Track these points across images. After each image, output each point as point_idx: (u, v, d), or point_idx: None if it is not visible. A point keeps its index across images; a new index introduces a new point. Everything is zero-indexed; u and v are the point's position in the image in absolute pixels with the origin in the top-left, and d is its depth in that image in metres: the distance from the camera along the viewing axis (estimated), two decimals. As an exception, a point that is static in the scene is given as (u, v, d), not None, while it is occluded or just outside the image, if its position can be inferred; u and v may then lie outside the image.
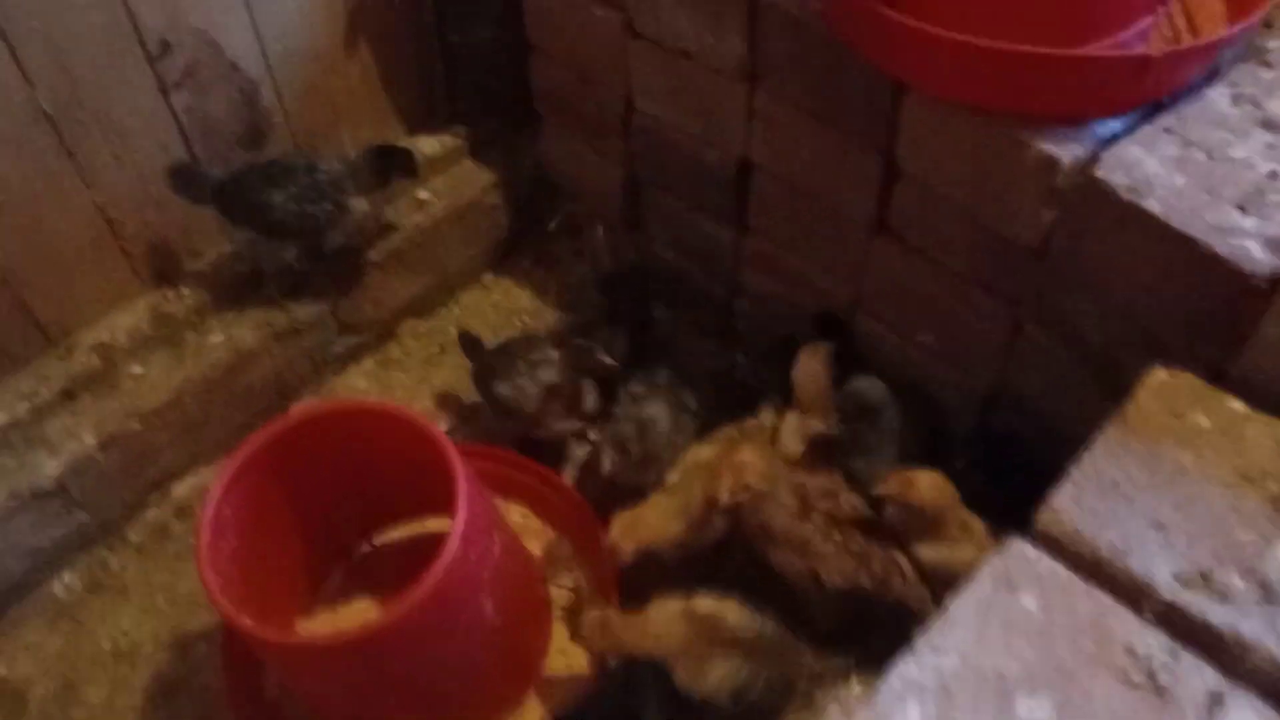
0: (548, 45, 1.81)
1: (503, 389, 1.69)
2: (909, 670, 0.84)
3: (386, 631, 1.17)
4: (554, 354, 1.71)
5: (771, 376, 1.70)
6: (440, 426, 1.80)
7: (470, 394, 1.90)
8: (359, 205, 1.77)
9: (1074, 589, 0.88)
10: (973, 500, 1.44)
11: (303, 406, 1.38)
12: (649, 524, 1.44)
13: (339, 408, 1.38)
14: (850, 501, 1.42)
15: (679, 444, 1.60)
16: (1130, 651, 0.84)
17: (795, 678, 1.35)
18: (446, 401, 1.91)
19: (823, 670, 1.37)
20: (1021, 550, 0.90)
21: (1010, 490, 1.44)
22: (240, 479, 1.33)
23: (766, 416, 1.64)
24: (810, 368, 1.61)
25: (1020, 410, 1.46)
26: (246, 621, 1.19)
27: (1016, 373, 1.43)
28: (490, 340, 1.80)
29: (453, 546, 1.18)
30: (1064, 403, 1.38)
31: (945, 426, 1.60)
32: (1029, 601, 0.87)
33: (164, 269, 1.77)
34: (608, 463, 1.59)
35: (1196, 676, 0.82)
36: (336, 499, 1.52)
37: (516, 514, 1.72)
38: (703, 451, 1.56)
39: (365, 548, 1.65)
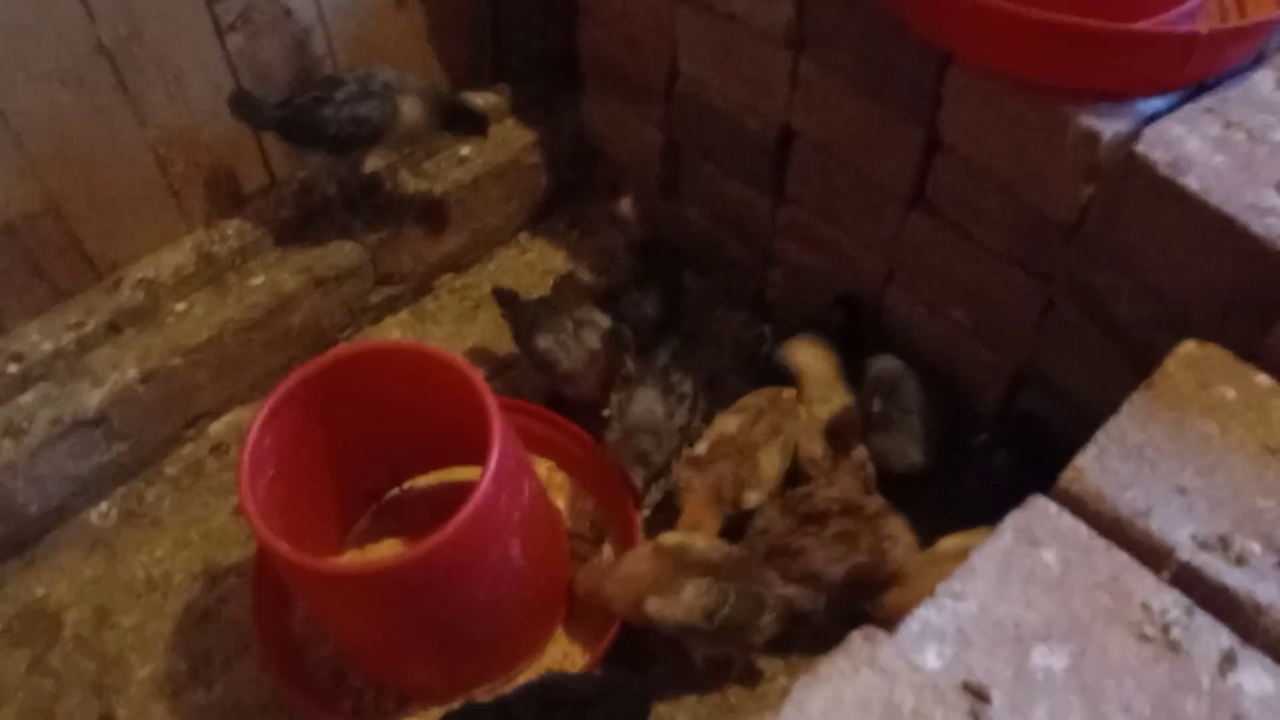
0: (595, 7, 1.83)
1: (543, 341, 1.71)
2: (928, 614, 0.87)
3: (417, 564, 1.21)
4: (600, 317, 1.73)
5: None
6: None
7: (502, 349, 1.94)
8: (411, 109, 1.73)
9: (1094, 546, 0.90)
10: (993, 480, 1.47)
11: (345, 345, 1.40)
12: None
13: (380, 346, 1.41)
14: (824, 495, 1.46)
15: (674, 431, 1.62)
16: (1146, 608, 0.86)
17: (767, 594, 1.41)
18: (479, 355, 1.94)
19: (795, 594, 1.42)
20: (1044, 507, 0.93)
21: (1033, 473, 1.47)
22: (281, 411, 1.37)
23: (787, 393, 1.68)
24: (811, 356, 1.65)
25: (1048, 391, 1.48)
26: (284, 545, 1.23)
27: (1046, 352, 1.45)
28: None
29: (486, 484, 1.21)
30: (1092, 384, 1.40)
31: (967, 406, 1.62)
32: (1049, 556, 0.89)
33: (210, 210, 1.81)
34: (636, 477, 1.60)
35: (1210, 636, 0.84)
36: (370, 441, 1.55)
37: (543, 468, 1.75)
38: (729, 423, 1.60)
39: (395, 492, 1.69)
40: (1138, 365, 1.31)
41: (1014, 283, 1.43)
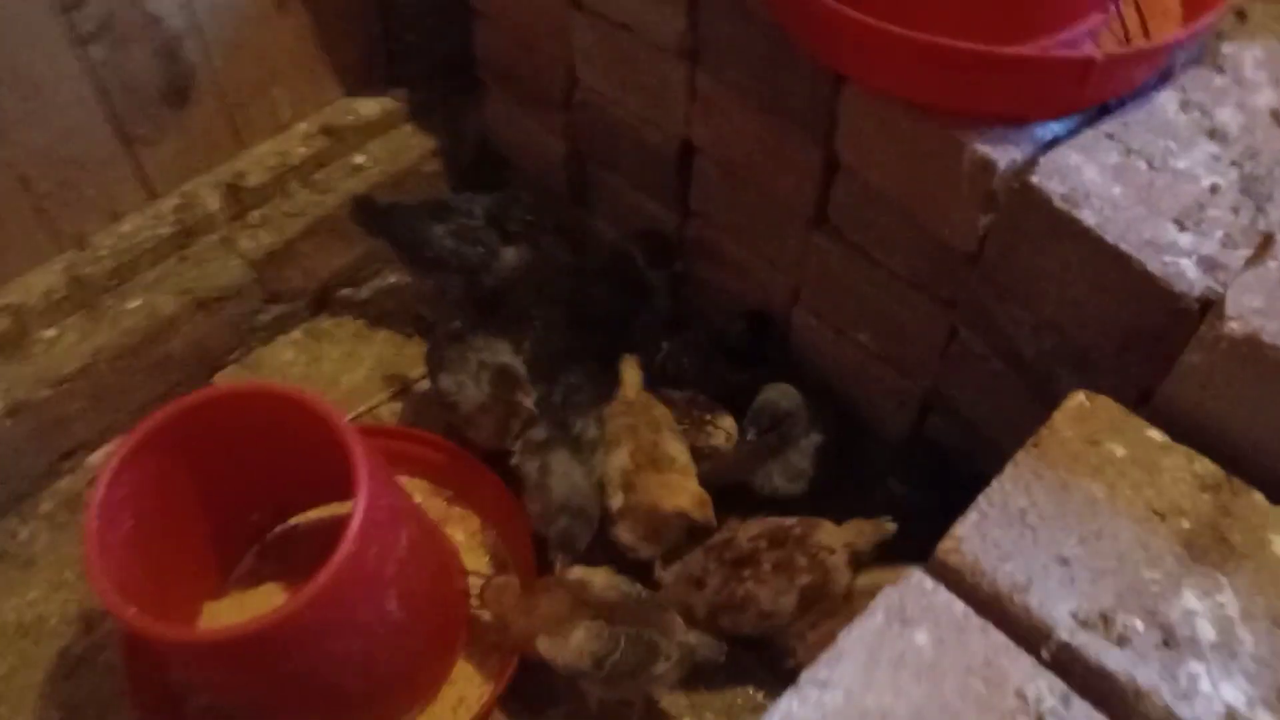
0: (490, 9, 1.74)
1: (444, 381, 1.63)
2: (791, 705, 0.80)
3: (275, 629, 1.12)
4: (508, 356, 1.65)
5: (690, 370, 1.67)
6: (363, 405, 1.79)
7: (404, 367, 1.85)
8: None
9: (969, 626, 0.84)
10: (902, 516, 1.42)
11: (193, 395, 1.31)
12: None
13: (236, 391, 1.32)
14: (747, 533, 1.40)
15: (593, 494, 1.51)
16: (1020, 695, 0.80)
17: (660, 640, 1.34)
18: (379, 377, 1.85)
19: (696, 642, 1.37)
20: (919, 582, 0.86)
21: (943, 507, 1.42)
22: (135, 461, 1.27)
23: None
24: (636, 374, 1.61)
25: (956, 419, 1.42)
26: (131, 613, 1.14)
27: (953, 379, 1.39)
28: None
29: (347, 545, 1.13)
30: (998, 414, 1.34)
31: (875, 430, 1.57)
32: (921, 637, 0.83)
33: (82, 229, 1.70)
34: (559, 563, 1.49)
35: (1086, 725, 0.79)
36: (244, 481, 1.46)
37: (441, 499, 1.67)
38: (619, 459, 1.52)
39: (279, 529, 1.60)
40: (1042, 398, 1.26)
41: (919, 308, 1.37)
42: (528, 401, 1.57)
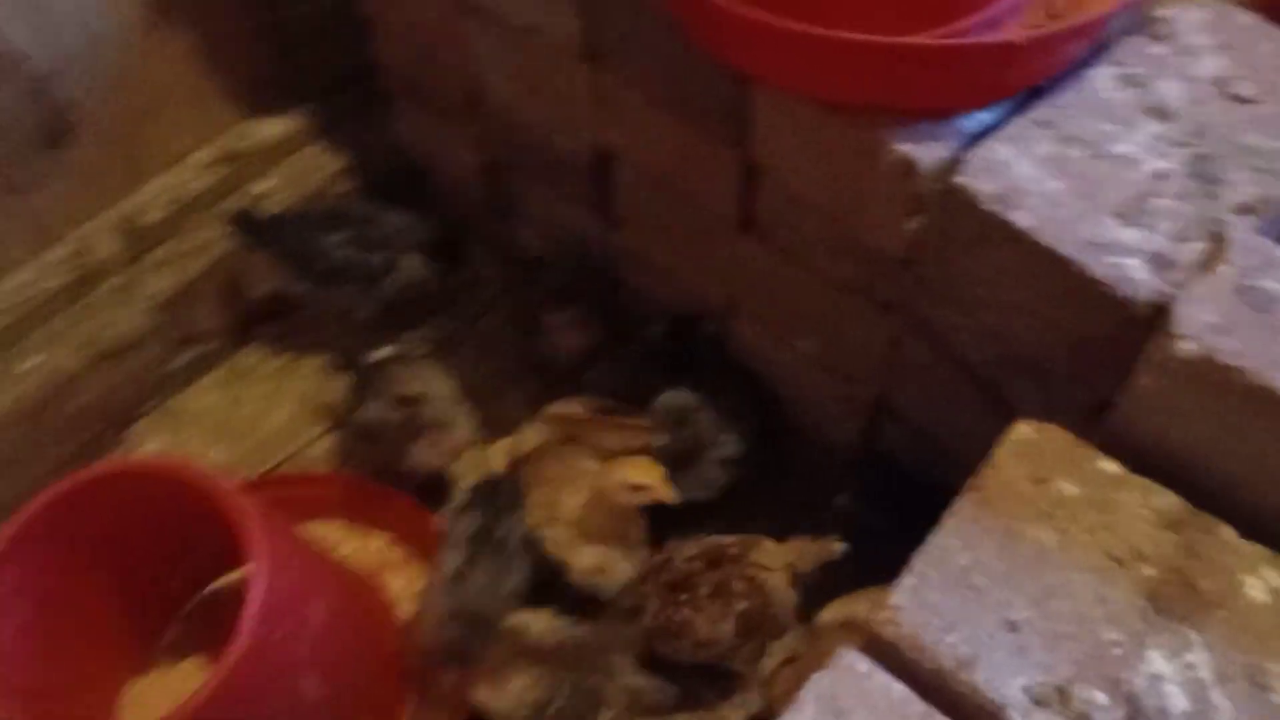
0: (384, 18, 1.61)
1: (369, 413, 1.53)
2: None
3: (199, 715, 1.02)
4: (433, 378, 1.54)
5: (624, 384, 1.56)
6: (290, 447, 1.68)
7: (332, 399, 1.74)
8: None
9: (910, 713, 0.74)
10: (854, 536, 1.33)
11: (78, 473, 1.21)
12: None
13: (102, 475, 1.21)
14: (683, 554, 1.31)
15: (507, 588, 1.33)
16: (971, 794, 0.71)
17: (605, 685, 1.27)
18: (305, 413, 1.74)
19: (642, 686, 1.29)
20: (852, 665, 0.77)
21: (903, 525, 1.33)
22: (20, 548, 1.17)
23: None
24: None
25: (907, 425, 1.33)
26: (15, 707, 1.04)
27: (900, 386, 1.29)
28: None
29: (242, 640, 1.03)
30: (953, 421, 1.25)
31: (811, 443, 1.47)
32: (857, 732, 0.74)
33: (-35, 287, 1.58)
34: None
35: (1045, 826, 0.70)
36: (157, 549, 1.36)
37: (377, 544, 1.57)
38: (572, 503, 1.43)
39: (202, 593, 1.50)
40: (996, 406, 1.16)
41: (859, 314, 1.26)
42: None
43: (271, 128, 1.78)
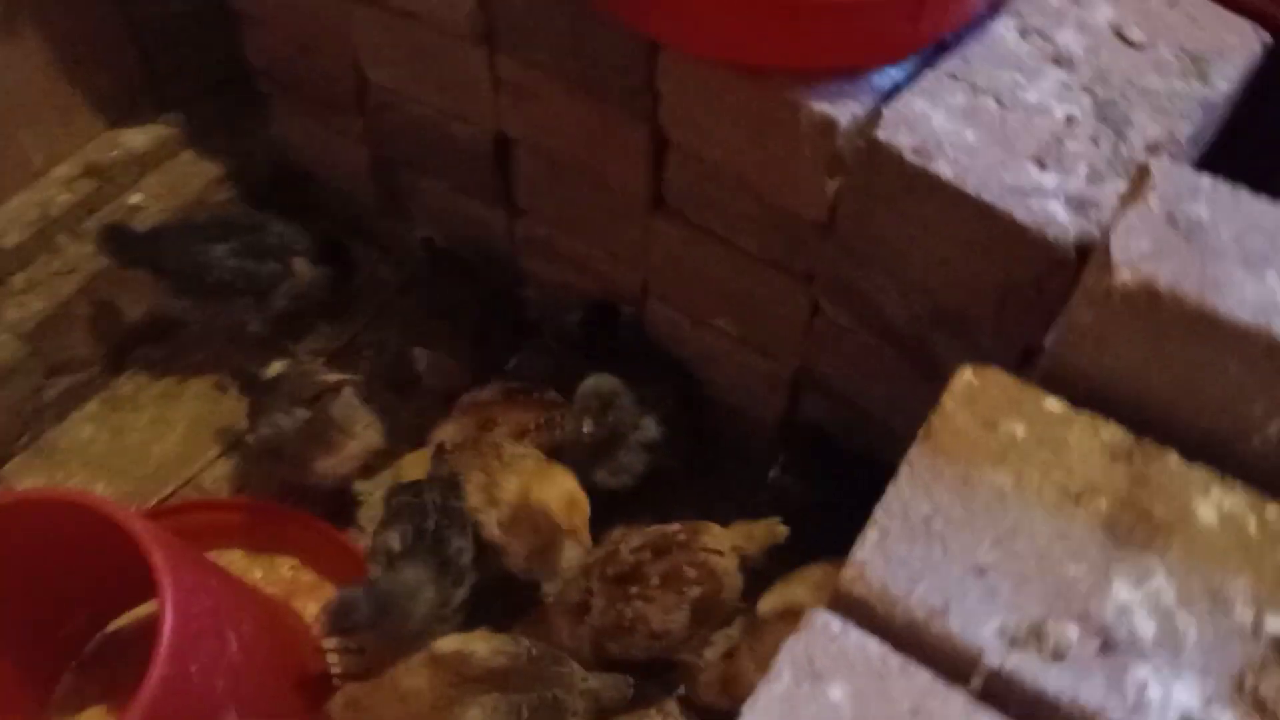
0: (257, 11, 1.52)
1: (264, 428, 1.44)
2: None
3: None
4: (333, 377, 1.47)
5: (546, 373, 1.53)
6: (184, 473, 1.58)
7: (222, 424, 1.64)
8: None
9: (888, 669, 0.72)
10: (789, 510, 1.32)
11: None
12: None
13: (3, 503, 1.10)
14: (629, 544, 1.28)
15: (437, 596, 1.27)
16: (959, 742, 0.69)
17: (565, 697, 1.22)
18: (197, 440, 1.63)
19: (599, 685, 1.25)
20: (825, 626, 0.74)
21: (836, 499, 1.32)
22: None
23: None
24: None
25: (830, 395, 1.32)
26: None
27: (821, 357, 1.28)
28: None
29: (156, 671, 0.95)
30: (875, 387, 1.25)
31: (747, 416, 1.46)
32: (838, 693, 0.71)
33: None
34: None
35: (1036, 766, 0.68)
36: (46, 592, 1.25)
37: (286, 568, 1.48)
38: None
39: (97, 638, 1.38)
40: (917, 365, 1.16)
41: (775, 286, 1.25)
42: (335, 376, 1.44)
43: (140, 136, 1.67)
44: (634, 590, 1.26)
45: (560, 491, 1.31)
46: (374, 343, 1.72)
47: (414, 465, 1.51)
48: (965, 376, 0.86)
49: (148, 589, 1.33)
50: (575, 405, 1.35)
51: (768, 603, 1.28)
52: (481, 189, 1.50)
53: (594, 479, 1.40)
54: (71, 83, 1.59)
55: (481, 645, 1.22)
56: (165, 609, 0.98)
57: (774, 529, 1.28)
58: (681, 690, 1.37)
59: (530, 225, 1.50)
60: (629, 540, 1.33)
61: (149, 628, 1.37)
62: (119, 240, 1.51)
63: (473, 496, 1.33)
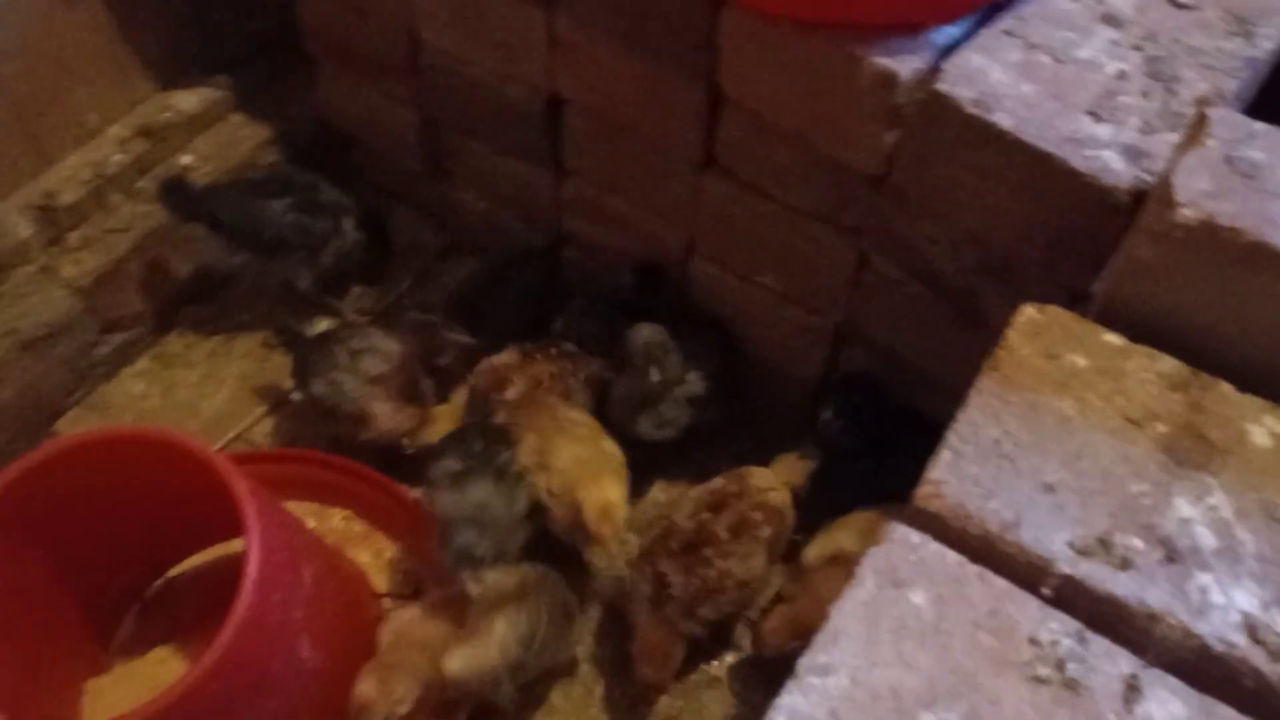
0: (311, -25, 1.56)
1: (316, 387, 1.48)
2: (794, 702, 0.71)
3: (178, 708, 0.97)
4: (382, 340, 1.50)
5: (595, 336, 1.55)
6: (234, 430, 1.62)
7: (270, 381, 1.68)
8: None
9: (965, 576, 0.77)
10: (836, 449, 1.37)
11: (40, 449, 1.13)
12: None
13: (83, 441, 1.14)
14: (682, 512, 1.34)
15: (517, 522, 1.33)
16: (1034, 642, 0.74)
17: (570, 601, 1.34)
18: (245, 397, 1.67)
19: (600, 586, 1.43)
20: (904, 537, 0.79)
21: (874, 437, 1.37)
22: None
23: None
24: None
25: (872, 349, 1.36)
26: (-3, 719, 0.97)
27: (866, 310, 1.33)
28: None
29: (246, 597, 0.99)
30: (918, 339, 1.29)
31: (786, 371, 1.50)
32: (919, 598, 0.76)
33: None
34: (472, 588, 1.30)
35: (1109, 664, 0.73)
36: (112, 536, 1.28)
37: (337, 519, 1.52)
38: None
39: (157, 584, 1.42)
40: (964, 316, 1.21)
41: (823, 241, 1.29)
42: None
43: (190, 99, 1.71)
44: (708, 552, 1.29)
45: (598, 499, 1.30)
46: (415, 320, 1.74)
47: (444, 417, 1.55)
48: (1028, 313, 0.91)
49: (209, 535, 1.40)
50: (633, 357, 1.38)
51: (814, 550, 1.32)
52: (529, 150, 1.54)
53: (637, 430, 1.44)
54: (126, 44, 1.62)
55: (489, 574, 1.28)
56: (251, 536, 1.01)
57: (807, 458, 1.33)
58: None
59: (577, 186, 1.54)
60: (680, 509, 1.36)
61: (208, 575, 1.44)
62: (179, 194, 1.55)
63: (525, 456, 1.37)
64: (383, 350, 1.50)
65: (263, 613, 1.02)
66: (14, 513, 1.12)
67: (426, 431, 1.53)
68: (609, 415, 1.46)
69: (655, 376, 1.37)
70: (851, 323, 1.37)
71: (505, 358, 1.52)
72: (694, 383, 1.45)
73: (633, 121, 1.36)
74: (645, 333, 1.39)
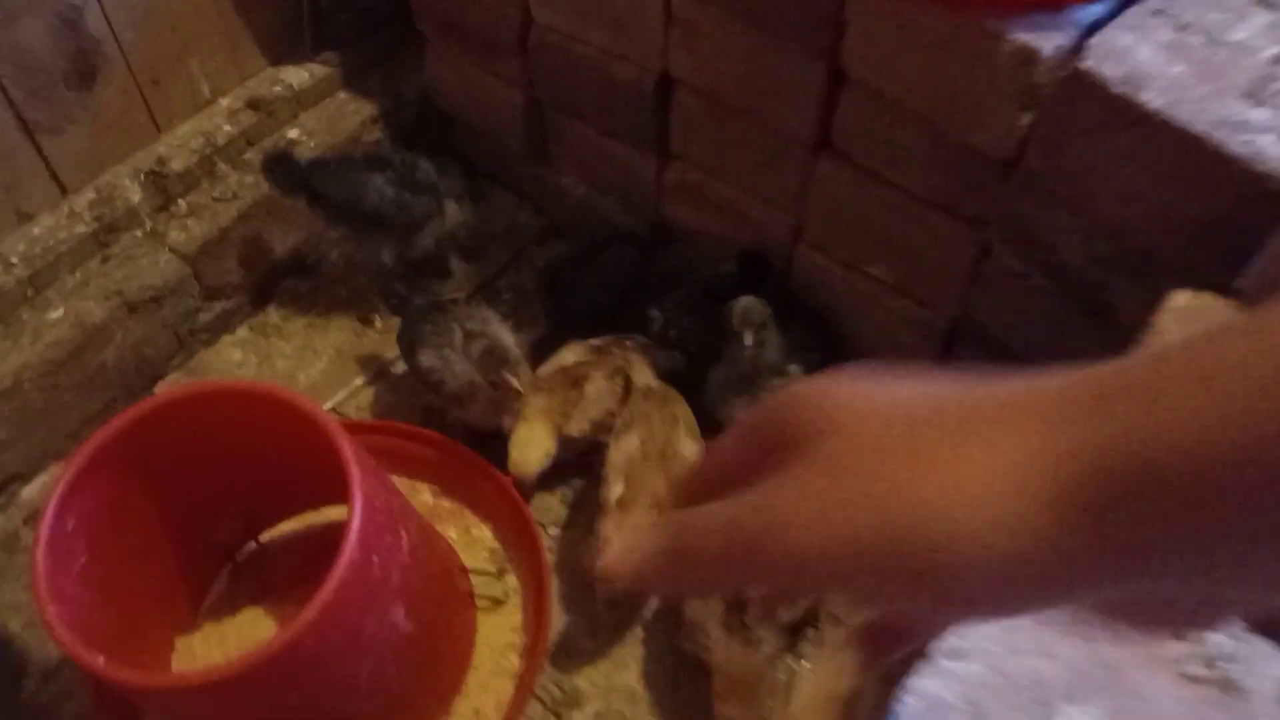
0: (427, -48, 1.57)
1: (426, 359, 1.46)
2: (929, 686, 0.68)
3: (280, 658, 0.97)
4: (497, 328, 1.48)
5: (694, 328, 1.52)
6: (328, 402, 1.62)
7: (366, 354, 1.69)
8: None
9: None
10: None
11: (156, 395, 1.14)
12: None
13: (197, 392, 1.15)
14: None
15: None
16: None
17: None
18: (340, 370, 1.68)
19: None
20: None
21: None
22: (85, 483, 1.10)
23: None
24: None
25: (987, 346, 1.31)
26: (98, 661, 0.97)
27: (984, 304, 1.28)
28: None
29: (348, 554, 0.98)
30: (1040, 334, 1.24)
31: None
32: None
33: (-15, 234, 1.50)
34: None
35: (1268, 665, 0.68)
36: (213, 494, 1.29)
37: (426, 494, 1.52)
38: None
39: (252, 546, 1.43)
40: (1089, 311, 1.15)
41: (942, 230, 1.25)
42: (516, 381, 1.41)
43: (299, 75, 1.73)
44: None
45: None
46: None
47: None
48: (1179, 299, 0.86)
49: (305, 498, 1.41)
50: (732, 327, 1.35)
51: None
52: (635, 133, 1.52)
53: (733, 414, 1.41)
54: (241, 18, 1.65)
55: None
56: (355, 491, 1.01)
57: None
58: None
59: (681, 170, 1.52)
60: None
61: (300, 541, 1.44)
62: (282, 166, 1.57)
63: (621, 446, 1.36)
64: (499, 337, 1.47)
65: (363, 572, 1.02)
66: (123, 461, 1.13)
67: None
68: (704, 403, 1.43)
69: (749, 341, 1.33)
70: (966, 317, 1.32)
71: (575, 354, 1.49)
72: (795, 374, 1.42)
73: (745, 103, 1.34)
74: (745, 302, 1.35)
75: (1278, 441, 0.25)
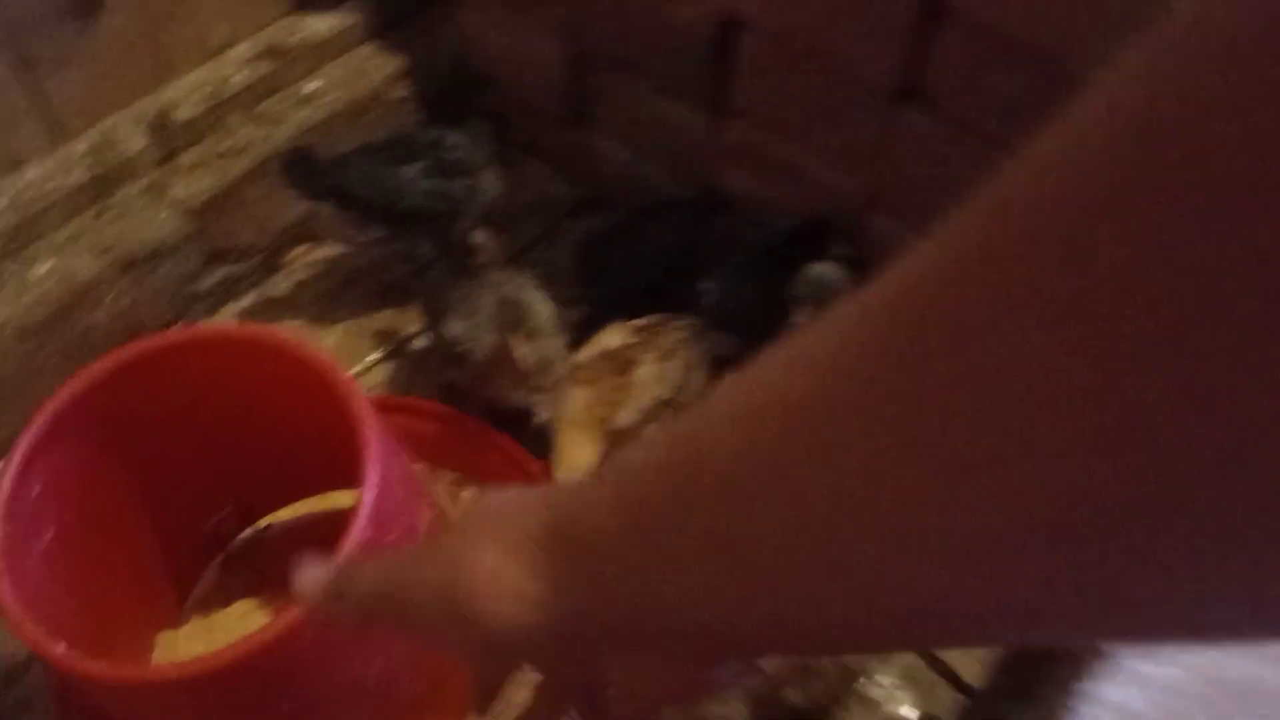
0: (464, -115, 1.43)
1: (454, 327, 1.30)
2: (1114, 694, 0.51)
3: (269, 654, 0.81)
4: (533, 295, 1.32)
5: (751, 300, 1.36)
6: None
7: (381, 329, 1.53)
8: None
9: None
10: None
11: (143, 339, 0.99)
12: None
13: (196, 337, 1.00)
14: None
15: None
16: None
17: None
18: (353, 346, 1.53)
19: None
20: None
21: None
22: (54, 442, 0.95)
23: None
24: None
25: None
26: (57, 648, 0.81)
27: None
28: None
29: (359, 527, 0.82)
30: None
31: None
32: None
33: (-33, 180, 1.36)
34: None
35: None
36: (203, 468, 1.14)
37: (446, 481, 1.36)
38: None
39: (247, 532, 1.27)
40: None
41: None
42: (522, 349, 1.25)
43: (322, 24, 1.58)
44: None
45: None
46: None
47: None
48: None
49: (310, 480, 1.25)
50: (797, 297, 1.20)
51: None
52: (691, 87, 1.37)
53: None
54: (260, -43, 1.51)
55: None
56: (370, 463, 0.85)
57: None
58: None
59: (740, 129, 1.37)
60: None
61: (303, 529, 1.28)
62: (304, 168, 1.40)
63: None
64: (533, 304, 1.31)
65: (377, 550, 0.86)
66: (101, 422, 0.98)
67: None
68: None
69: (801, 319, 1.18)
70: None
71: (619, 336, 1.35)
72: None
73: (822, 44, 1.19)
74: (819, 269, 1.20)
75: (652, 512, 0.36)
